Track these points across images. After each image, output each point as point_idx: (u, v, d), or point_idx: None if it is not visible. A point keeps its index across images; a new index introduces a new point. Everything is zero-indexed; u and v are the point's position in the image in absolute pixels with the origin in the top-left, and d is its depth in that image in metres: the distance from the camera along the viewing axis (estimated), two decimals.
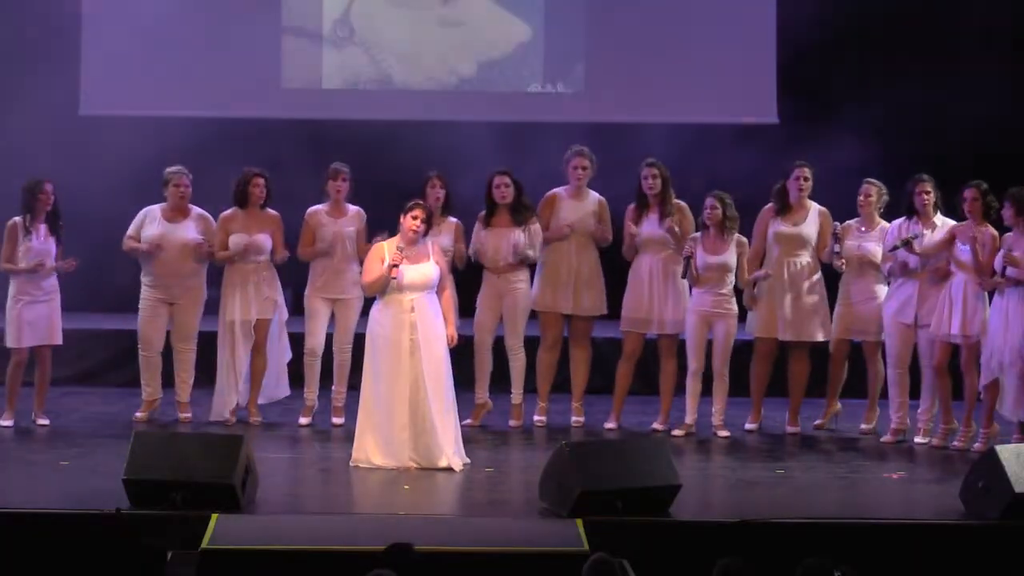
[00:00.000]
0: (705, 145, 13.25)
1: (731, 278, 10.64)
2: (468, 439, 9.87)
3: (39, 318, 10.64)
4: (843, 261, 10.59)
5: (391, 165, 12.81)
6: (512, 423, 10.93)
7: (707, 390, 10.74)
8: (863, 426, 10.81)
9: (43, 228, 10.64)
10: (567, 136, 12.02)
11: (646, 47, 13.96)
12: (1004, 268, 9.83)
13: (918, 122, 13.41)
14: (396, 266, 9.42)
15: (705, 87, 13.95)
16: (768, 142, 13.04)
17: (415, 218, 9.50)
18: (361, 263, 10.48)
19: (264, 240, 10.81)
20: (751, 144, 13.16)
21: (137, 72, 13.78)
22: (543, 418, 11.01)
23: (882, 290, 10.63)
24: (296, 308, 11.14)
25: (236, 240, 10.78)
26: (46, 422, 10.68)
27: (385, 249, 9.54)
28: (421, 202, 9.72)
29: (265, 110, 13.88)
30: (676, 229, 10.66)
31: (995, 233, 10.09)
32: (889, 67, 13.59)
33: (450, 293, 9.84)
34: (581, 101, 14.02)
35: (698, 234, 10.67)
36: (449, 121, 13.64)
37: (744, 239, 10.71)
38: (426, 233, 9.61)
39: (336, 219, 10.87)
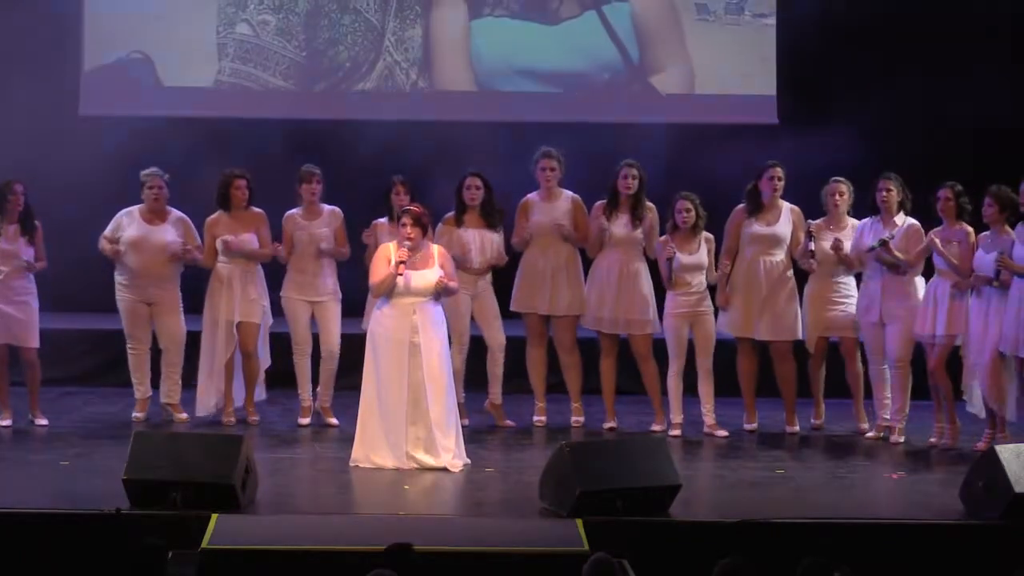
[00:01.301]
0: (705, 145, 13.25)
1: (703, 276, 10.65)
2: (468, 439, 9.86)
3: (12, 318, 10.59)
4: (814, 261, 10.60)
5: (389, 166, 12.79)
6: (506, 422, 10.91)
7: (691, 389, 10.74)
8: (862, 425, 10.81)
9: (12, 229, 10.60)
10: (567, 136, 12.01)
11: (645, 47, 13.97)
12: (998, 272, 9.83)
13: (918, 122, 13.41)
14: (403, 263, 9.43)
15: (705, 87, 13.95)
16: (768, 142, 13.03)
17: (404, 225, 9.51)
18: (338, 262, 10.58)
19: (250, 239, 10.80)
20: (751, 144, 13.15)
21: (137, 72, 13.77)
22: (543, 418, 11.01)
23: (853, 287, 10.66)
24: (277, 310, 11.07)
25: (223, 241, 10.75)
26: (45, 422, 10.68)
27: (391, 249, 9.55)
28: (409, 208, 9.67)
29: (266, 111, 13.84)
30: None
31: (970, 230, 10.12)
32: (889, 67, 13.59)
33: (456, 285, 9.80)
34: (580, 101, 13.99)
35: (666, 236, 10.67)
36: (448, 121, 13.63)
37: (711, 236, 10.73)
38: (424, 235, 9.61)
39: (310, 222, 10.86)
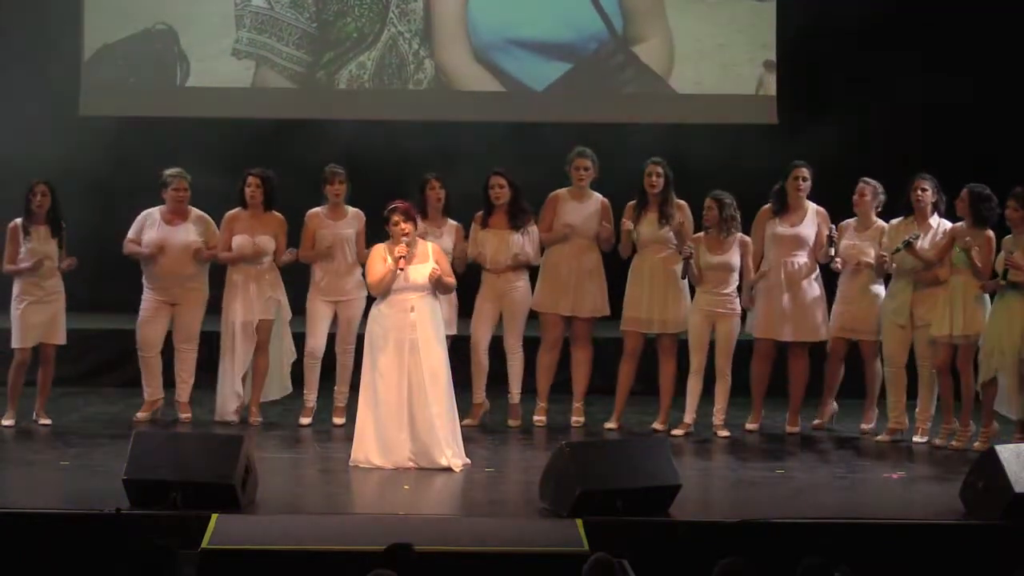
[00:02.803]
0: (705, 145, 13.24)
1: (735, 278, 10.64)
2: (468, 439, 9.87)
3: (42, 318, 10.64)
4: (839, 262, 10.61)
5: (397, 165, 12.81)
6: (511, 423, 10.93)
7: (708, 389, 10.74)
8: (863, 426, 10.81)
9: (43, 229, 10.65)
10: (567, 136, 12.02)
11: (645, 46, 13.97)
12: (1006, 271, 9.84)
13: (918, 123, 13.41)
14: (403, 257, 9.44)
15: (705, 87, 13.95)
16: (768, 142, 13.03)
17: (396, 224, 9.50)
18: (363, 264, 10.54)
19: (267, 242, 10.80)
20: (751, 144, 13.15)
21: (138, 72, 13.76)
22: (543, 418, 11.01)
23: (879, 289, 10.64)
24: (298, 309, 11.11)
25: (239, 242, 10.77)
26: (48, 422, 10.68)
27: (384, 250, 9.55)
28: (396, 206, 9.62)
29: (268, 111, 13.86)
30: (681, 230, 10.64)
31: (991, 235, 10.11)
32: (889, 67, 13.58)
33: (452, 282, 9.82)
34: (580, 101, 14.00)
35: (700, 234, 10.68)
36: (450, 121, 13.63)
37: (747, 238, 10.71)
38: (415, 229, 9.61)
39: (335, 221, 10.86)
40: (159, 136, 13.13)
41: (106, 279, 11.81)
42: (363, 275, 10.69)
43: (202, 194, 11.06)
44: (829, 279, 10.85)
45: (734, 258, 10.62)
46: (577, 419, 10.97)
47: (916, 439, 10.42)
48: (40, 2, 13.58)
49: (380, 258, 9.56)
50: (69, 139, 12.99)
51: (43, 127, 12.89)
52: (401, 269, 9.45)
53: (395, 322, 9.48)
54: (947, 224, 10.40)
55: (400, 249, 9.47)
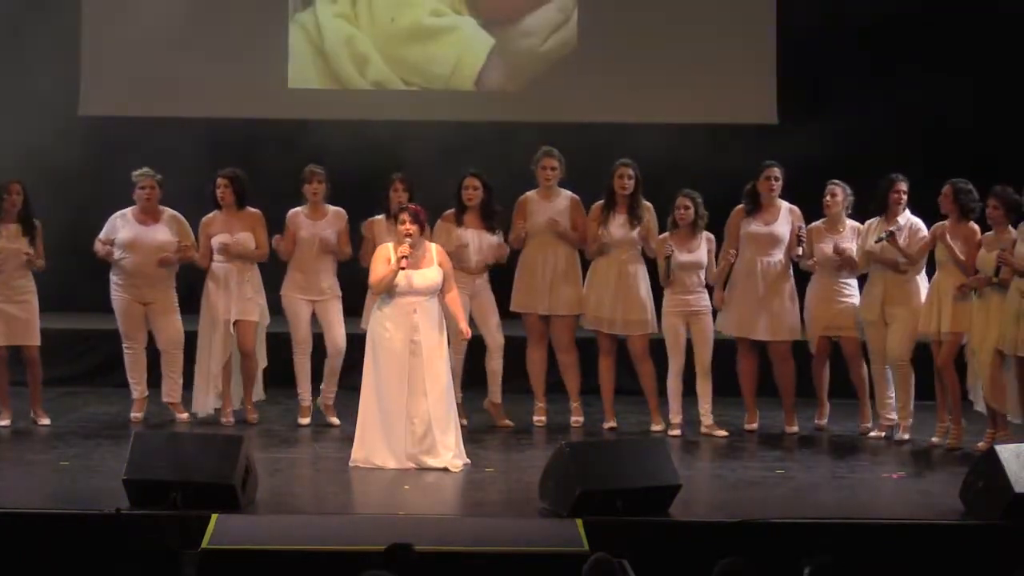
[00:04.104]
0: (705, 145, 13.25)
1: (703, 275, 10.65)
2: (467, 439, 9.86)
3: (13, 318, 10.61)
4: (813, 262, 10.62)
5: (387, 165, 12.80)
6: (504, 422, 10.91)
7: (691, 391, 10.74)
8: (862, 425, 10.81)
9: (14, 227, 10.61)
10: (566, 136, 12.01)
11: (645, 46, 13.96)
12: (998, 268, 9.84)
13: (917, 123, 13.41)
14: (405, 257, 9.44)
15: (705, 87, 13.95)
16: (768, 142, 13.02)
17: (402, 223, 9.52)
18: (354, 260, 10.56)
19: (246, 239, 10.80)
20: (751, 144, 13.15)
21: (137, 72, 13.77)
22: (542, 418, 11.00)
23: (853, 286, 10.69)
24: (274, 311, 11.06)
25: (221, 240, 10.76)
26: (47, 422, 10.68)
27: (390, 249, 9.56)
28: (407, 207, 9.68)
29: (269, 111, 13.87)
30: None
31: (975, 228, 10.13)
32: (889, 67, 13.59)
33: (457, 293, 9.83)
34: (580, 100, 13.99)
35: (666, 234, 10.68)
36: (443, 121, 13.63)
37: (712, 236, 10.73)
38: (422, 233, 9.63)
39: (315, 221, 10.87)
40: (159, 136, 13.12)
41: (106, 279, 11.78)
42: (338, 276, 10.86)
43: (202, 195, 11.07)
44: (798, 279, 10.85)
45: (703, 256, 10.64)
46: (576, 419, 10.97)
47: (900, 436, 10.42)
48: (40, 2, 13.58)
49: (383, 258, 9.58)
50: (69, 139, 13.00)
51: (43, 127, 12.89)
52: (402, 268, 9.46)
53: (398, 324, 9.48)
54: (915, 220, 10.42)
55: (402, 249, 9.48)
